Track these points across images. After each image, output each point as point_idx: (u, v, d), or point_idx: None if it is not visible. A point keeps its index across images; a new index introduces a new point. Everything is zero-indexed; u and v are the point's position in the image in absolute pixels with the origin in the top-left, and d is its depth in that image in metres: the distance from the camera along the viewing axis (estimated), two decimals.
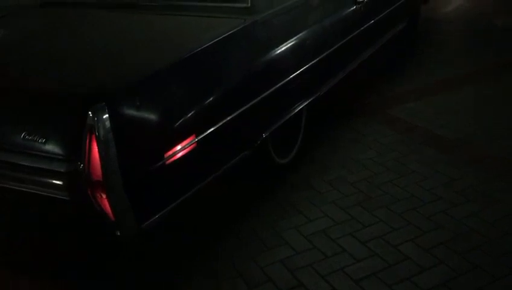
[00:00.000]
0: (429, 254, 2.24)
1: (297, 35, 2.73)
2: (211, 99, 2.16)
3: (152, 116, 1.94)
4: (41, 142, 1.82)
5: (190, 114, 2.04)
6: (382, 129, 3.41)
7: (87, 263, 2.35)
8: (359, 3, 3.34)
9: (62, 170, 1.80)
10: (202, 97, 2.13)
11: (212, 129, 2.13)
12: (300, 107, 2.84)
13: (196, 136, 2.05)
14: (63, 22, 2.87)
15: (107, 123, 1.71)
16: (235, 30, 2.37)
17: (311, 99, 2.93)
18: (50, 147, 1.82)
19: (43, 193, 1.86)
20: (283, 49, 2.60)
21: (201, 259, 2.31)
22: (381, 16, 3.77)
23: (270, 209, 2.62)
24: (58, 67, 2.15)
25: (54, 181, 1.83)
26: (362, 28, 3.44)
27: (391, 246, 2.30)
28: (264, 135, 2.52)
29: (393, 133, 3.35)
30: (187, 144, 2.01)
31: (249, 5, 2.53)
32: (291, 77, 2.66)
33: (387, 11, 3.92)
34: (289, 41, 2.66)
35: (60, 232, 2.41)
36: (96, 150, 1.71)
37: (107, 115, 1.72)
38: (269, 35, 2.58)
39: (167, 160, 1.92)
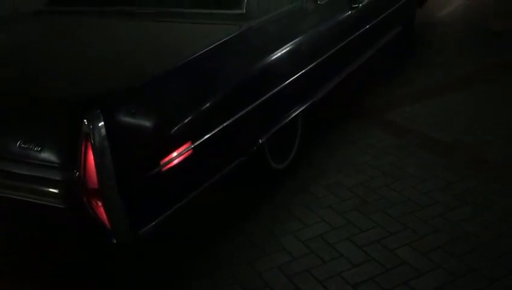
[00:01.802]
0: (426, 257, 2.24)
1: (293, 41, 2.74)
2: (207, 105, 2.16)
3: (148, 123, 1.94)
4: (36, 151, 1.82)
5: (186, 121, 2.04)
6: (379, 133, 3.41)
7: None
8: (354, 8, 3.36)
9: (58, 178, 1.80)
10: (198, 103, 2.13)
11: (208, 136, 2.13)
12: (297, 112, 2.84)
13: (192, 143, 2.05)
14: (58, 29, 2.88)
15: (103, 131, 1.71)
16: (230, 36, 2.37)
17: (308, 104, 2.94)
18: (46, 155, 1.81)
19: (38, 202, 1.85)
20: (278, 55, 2.61)
21: (198, 264, 2.31)
22: (376, 20, 3.79)
23: (267, 215, 2.62)
24: (54, 75, 2.15)
25: (50, 189, 1.82)
26: (357, 33, 3.46)
27: (388, 250, 2.30)
28: (260, 141, 2.52)
29: (390, 137, 3.35)
30: (183, 150, 2.01)
31: (244, 11, 2.54)
32: (287, 82, 2.66)
33: (383, 15, 3.94)
34: (284, 47, 2.67)
35: (59, 234, 2.41)
36: (92, 157, 1.71)
37: (102, 123, 1.71)
38: (264, 42, 2.59)
39: (163, 167, 1.92)
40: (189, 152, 2.04)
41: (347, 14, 3.32)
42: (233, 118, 2.28)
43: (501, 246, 2.29)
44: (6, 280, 2.28)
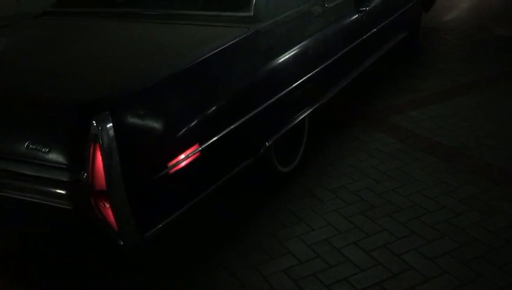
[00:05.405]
0: (433, 263, 2.23)
1: (300, 44, 2.74)
2: (215, 108, 2.16)
3: (155, 125, 1.94)
4: (44, 151, 1.81)
5: (193, 123, 2.04)
6: (384, 137, 3.41)
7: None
8: (361, 12, 3.35)
9: (65, 179, 1.79)
10: (205, 106, 2.13)
11: (215, 138, 2.12)
12: (303, 115, 2.84)
13: (200, 145, 2.04)
14: (65, 31, 2.87)
15: (111, 132, 1.71)
16: (238, 39, 2.37)
17: (314, 107, 2.93)
18: (53, 156, 1.81)
19: (45, 203, 1.85)
20: (286, 58, 2.60)
21: (202, 267, 2.30)
22: (382, 24, 3.79)
23: (273, 218, 2.61)
24: (62, 77, 2.14)
25: (57, 190, 1.81)
26: (364, 37, 3.45)
27: (395, 255, 2.29)
28: (267, 144, 2.51)
29: (395, 142, 3.35)
30: (190, 153, 2.00)
31: (252, 14, 2.54)
32: (294, 85, 2.66)
33: (389, 20, 3.94)
34: (292, 50, 2.67)
35: (65, 235, 2.41)
36: (100, 159, 1.70)
37: (110, 124, 1.71)
38: (272, 44, 2.59)
39: (170, 169, 1.92)
40: (196, 154, 2.03)
41: (354, 17, 3.31)
42: (241, 121, 2.28)
43: (508, 252, 2.28)
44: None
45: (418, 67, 4.77)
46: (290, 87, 2.63)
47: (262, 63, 2.48)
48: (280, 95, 2.54)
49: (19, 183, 1.89)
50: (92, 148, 1.71)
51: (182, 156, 1.97)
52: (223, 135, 2.17)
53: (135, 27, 2.74)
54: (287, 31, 2.71)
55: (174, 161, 1.93)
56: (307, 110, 2.87)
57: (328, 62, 2.97)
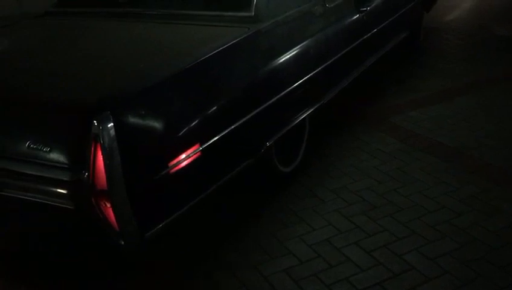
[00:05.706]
0: (434, 263, 2.23)
1: (301, 44, 2.74)
2: (215, 108, 2.16)
3: (156, 125, 1.94)
4: (45, 151, 1.81)
5: (194, 123, 2.04)
6: (385, 137, 3.41)
7: (87, 264, 2.35)
8: (362, 12, 3.35)
9: (66, 179, 1.79)
10: (206, 106, 2.13)
11: (216, 138, 2.12)
12: (304, 115, 2.84)
13: (200, 145, 2.04)
14: (65, 31, 2.87)
15: (112, 132, 1.71)
16: (239, 39, 2.37)
17: (315, 107, 2.93)
18: (54, 156, 1.81)
19: (46, 202, 1.85)
20: (286, 58, 2.60)
21: (202, 267, 2.30)
22: (383, 24, 3.79)
23: (273, 218, 2.61)
24: (63, 77, 2.14)
25: (58, 190, 1.82)
26: (365, 37, 3.45)
27: (396, 255, 2.29)
28: (268, 143, 2.51)
29: (395, 142, 3.35)
30: (191, 153, 2.00)
31: (253, 14, 2.54)
32: (294, 85, 2.66)
33: (390, 20, 3.94)
34: (293, 50, 2.66)
35: (65, 235, 2.41)
36: (101, 158, 1.70)
37: (111, 124, 1.71)
38: (273, 44, 2.58)
39: (171, 169, 1.92)
40: (197, 154, 2.03)
41: (355, 17, 3.31)
42: (241, 121, 2.28)
43: (508, 252, 2.28)
44: (6, 279, 2.28)
45: (419, 67, 4.77)
46: (291, 87, 2.63)
47: (263, 63, 2.48)
48: (281, 95, 2.54)
49: (20, 183, 1.89)
50: (93, 148, 1.71)
51: (183, 156, 1.97)
52: (224, 134, 2.17)
53: (136, 27, 2.74)
54: (287, 31, 2.71)
55: (175, 161, 1.93)
56: (307, 110, 2.87)
57: (329, 62, 2.97)
